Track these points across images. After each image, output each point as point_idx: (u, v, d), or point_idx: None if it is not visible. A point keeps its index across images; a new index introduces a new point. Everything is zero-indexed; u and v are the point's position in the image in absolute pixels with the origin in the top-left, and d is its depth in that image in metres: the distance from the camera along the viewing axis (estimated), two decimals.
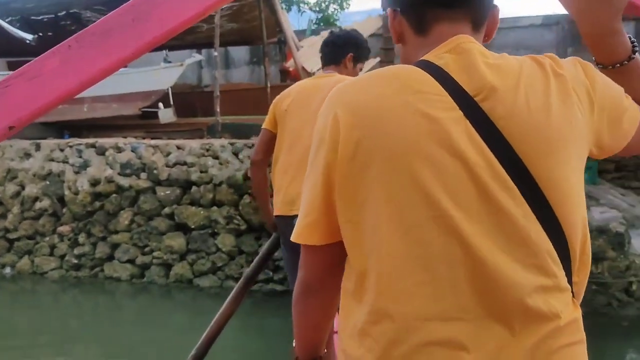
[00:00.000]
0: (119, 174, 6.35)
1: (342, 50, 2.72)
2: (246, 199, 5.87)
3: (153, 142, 6.67)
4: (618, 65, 1.01)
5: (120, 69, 1.03)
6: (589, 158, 0.94)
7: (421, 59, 0.91)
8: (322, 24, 13.39)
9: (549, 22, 11.26)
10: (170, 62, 8.90)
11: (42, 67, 0.91)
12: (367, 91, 0.88)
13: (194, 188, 6.08)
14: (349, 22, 11.49)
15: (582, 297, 0.94)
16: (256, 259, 2.53)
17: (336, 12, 14.00)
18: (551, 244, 0.85)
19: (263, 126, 2.75)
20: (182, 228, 6.09)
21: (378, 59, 9.57)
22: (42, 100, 0.91)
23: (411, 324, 0.84)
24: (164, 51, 9.08)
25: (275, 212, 2.62)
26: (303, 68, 9.39)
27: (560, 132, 0.86)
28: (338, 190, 0.87)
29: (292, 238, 0.93)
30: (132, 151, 6.43)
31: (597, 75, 0.94)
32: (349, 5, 14.03)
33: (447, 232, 0.83)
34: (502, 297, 0.83)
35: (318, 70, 9.40)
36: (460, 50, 0.89)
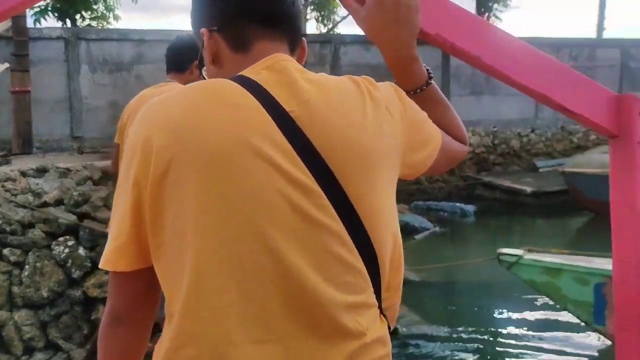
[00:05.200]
0: None
1: (190, 56, 2.53)
2: None
3: None
4: (418, 90, 1.09)
5: None
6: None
7: (238, 74, 0.91)
8: None
9: None
10: None
11: None
12: (179, 106, 0.86)
13: None
14: None
15: (396, 312, 1.00)
16: None
17: None
18: (362, 261, 0.88)
19: (115, 140, 2.72)
20: None
21: (6, 64, 7.86)
22: None
23: (218, 349, 0.82)
24: None
25: None
26: None
27: (375, 150, 0.90)
28: (149, 210, 0.84)
29: (100, 264, 0.91)
30: None
31: (408, 100, 1.02)
32: None
33: (260, 249, 0.82)
34: (313, 315, 0.84)
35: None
36: (278, 67, 0.91)
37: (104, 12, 11.70)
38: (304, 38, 1.03)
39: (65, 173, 4.63)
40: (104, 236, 4.50)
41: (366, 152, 0.88)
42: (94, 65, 10.03)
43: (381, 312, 0.94)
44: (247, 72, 0.91)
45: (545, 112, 13.21)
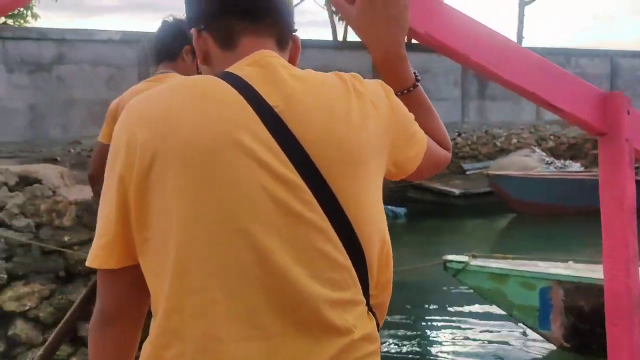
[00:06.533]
0: None
1: (178, 42, 2.38)
2: None
3: None
4: (406, 91, 1.09)
5: None
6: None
7: (223, 71, 0.91)
8: None
9: (128, 39, 10.66)
10: None
11: None
12: (163, 102, 0.87)
13: None
14: None
15: (385, 309, 0.99)
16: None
17: None
18: (348, 257, 0.87)
19: (99, 139, 2.49)
20: None
21: None
22: None
23: (203, 346, 0.83)
24: None
25: None
26: None
27: (360, 145, 0.90)
28: (135, 206, 0.85)
29: (88, 262, 0.91)
30: None
31: (396, 99, 1.00)
32: None
33: (244, 246, 0.82)
34: (299, 312, 0.84)
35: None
36: (263, 63, 0.91)
37: (21, 9, 11.06)
38: (296, 35, 1.02)
39: None
40: (21, 246, 4.19)
41: (351, 147, 0.88)
42: (11, 65, 9.44)
43: (370, 309, 0.93)
44: (232, 69, 0.91)
45: (471, 117, 13.72)
